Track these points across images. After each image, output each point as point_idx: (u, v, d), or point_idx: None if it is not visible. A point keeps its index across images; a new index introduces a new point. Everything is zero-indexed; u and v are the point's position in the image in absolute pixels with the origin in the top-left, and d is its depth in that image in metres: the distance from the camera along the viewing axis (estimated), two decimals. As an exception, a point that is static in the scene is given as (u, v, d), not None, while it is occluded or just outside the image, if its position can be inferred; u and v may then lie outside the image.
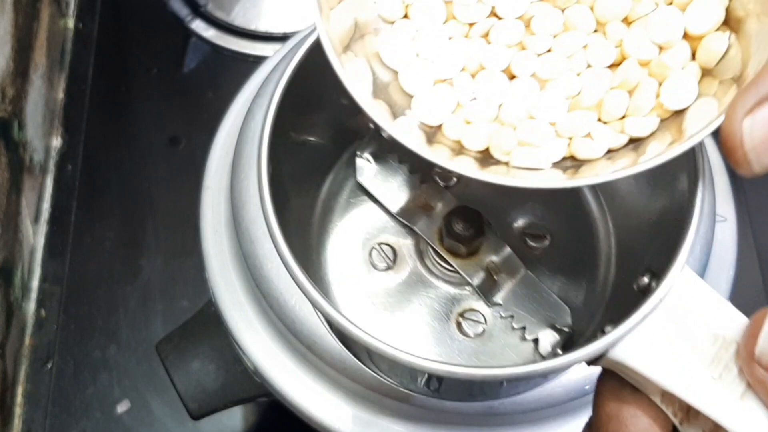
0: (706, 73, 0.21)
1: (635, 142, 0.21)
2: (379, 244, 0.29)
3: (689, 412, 0.22)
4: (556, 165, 0.21)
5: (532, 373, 0.20)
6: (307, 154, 0.29)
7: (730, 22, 0.21)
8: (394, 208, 0.26)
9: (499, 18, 0.22)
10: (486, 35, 0.22)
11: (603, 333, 0.22)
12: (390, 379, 0.26)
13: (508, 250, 0.27)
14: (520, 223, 0.30)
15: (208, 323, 0.41)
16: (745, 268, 0.48)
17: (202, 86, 0.64)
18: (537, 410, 0.34)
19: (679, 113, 0.21)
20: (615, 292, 0.28)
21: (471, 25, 0.22)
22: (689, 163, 0.21)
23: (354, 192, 0.30)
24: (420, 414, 0.34)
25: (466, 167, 0.19)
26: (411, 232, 0.27)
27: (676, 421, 0.22)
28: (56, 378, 0.55)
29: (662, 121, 0.21)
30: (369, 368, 0.26)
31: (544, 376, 0.22)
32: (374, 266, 0.29)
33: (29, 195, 0.58)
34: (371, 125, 0.27)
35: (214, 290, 0.38)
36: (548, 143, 0.20)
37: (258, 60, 0.61)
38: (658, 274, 0.22)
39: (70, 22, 0.67)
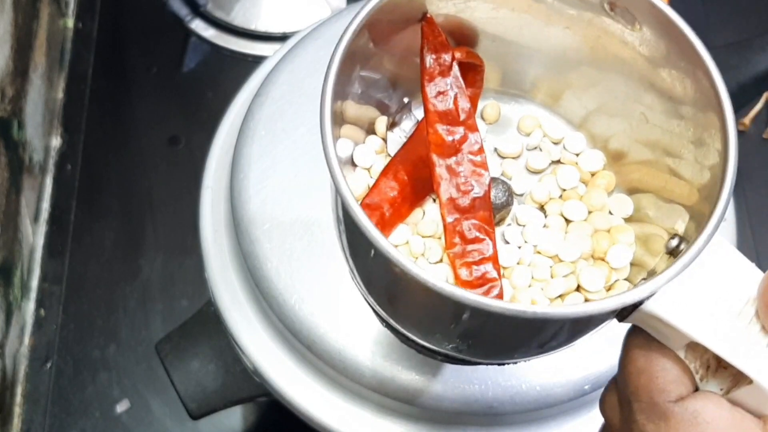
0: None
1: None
2: None
3: (709, 369, 0.23)
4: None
5: (590, 312, 0.21)
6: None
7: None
8: None
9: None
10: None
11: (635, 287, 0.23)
12: (414, 337, 0.27)
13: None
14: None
15: (208, 323, 0.41)
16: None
17: (201, 86, 0.64)
18: (537, 410, 0.34)
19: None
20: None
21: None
22: (722, 134, 0.23)
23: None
24: (420, 414, 0.34)
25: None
26: None
27: (696, 378, 0.23)
28: (56, 378, 0.55)
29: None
30: (391, 326, 0.27)
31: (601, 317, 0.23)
32: None
33: (29, 195, 0.57)
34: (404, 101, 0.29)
35: (213, 290, 0.38)
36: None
37: (258, 60, 0.62)
38: (686, 238, 0.23)
39: (70, 22, 0.66)
